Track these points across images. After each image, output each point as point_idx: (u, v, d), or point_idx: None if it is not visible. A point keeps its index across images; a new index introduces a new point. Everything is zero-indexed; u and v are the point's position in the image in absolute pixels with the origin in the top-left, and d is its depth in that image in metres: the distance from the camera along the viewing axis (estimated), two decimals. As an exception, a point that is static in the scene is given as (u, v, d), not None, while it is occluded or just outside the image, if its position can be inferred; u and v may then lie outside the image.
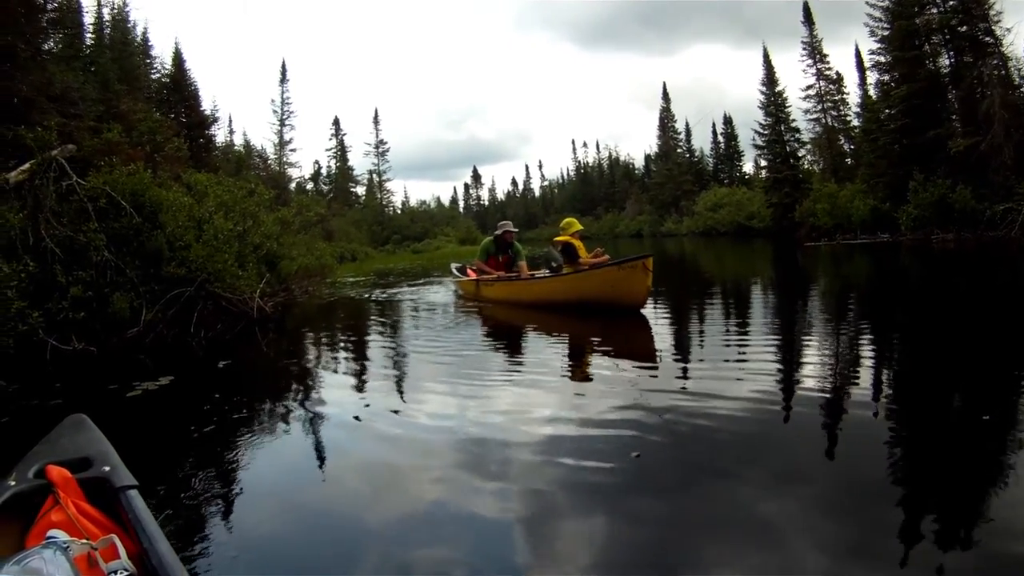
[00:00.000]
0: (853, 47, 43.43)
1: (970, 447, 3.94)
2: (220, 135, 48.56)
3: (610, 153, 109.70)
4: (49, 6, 15.20)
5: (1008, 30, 30.14)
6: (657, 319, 9.55)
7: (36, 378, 6.97)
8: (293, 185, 57.16)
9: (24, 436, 5.09)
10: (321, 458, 4.50)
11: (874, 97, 39.69)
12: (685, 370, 6.16)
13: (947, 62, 32.84)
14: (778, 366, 6.22)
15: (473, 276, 13.44)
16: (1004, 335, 7.07)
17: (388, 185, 76.83)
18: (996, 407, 4.62)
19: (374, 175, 75.94)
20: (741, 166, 74.19)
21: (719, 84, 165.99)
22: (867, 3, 35.84)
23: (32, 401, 6.25)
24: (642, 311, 9.62)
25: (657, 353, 7.11)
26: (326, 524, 3.44)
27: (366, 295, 17.18)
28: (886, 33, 35.34)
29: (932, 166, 29.79)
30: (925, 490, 3.42)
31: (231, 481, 4.14)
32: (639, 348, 7.63)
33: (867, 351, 6.90)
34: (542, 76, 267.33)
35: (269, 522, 3.53)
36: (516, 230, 13.23)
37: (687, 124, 79.41)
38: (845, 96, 47.50)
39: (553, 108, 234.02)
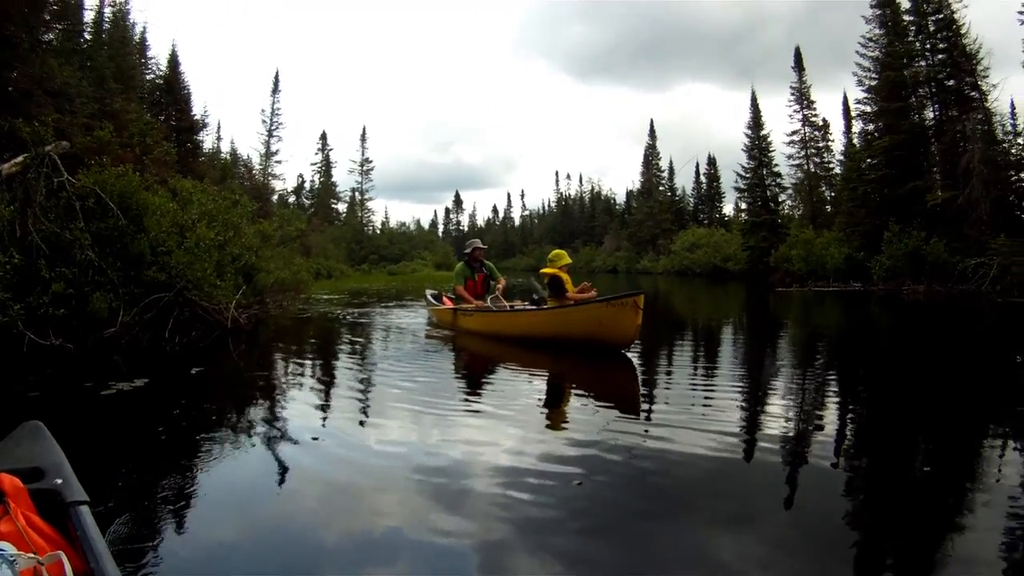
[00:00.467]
0: (842, 94, 44.02)
1: (924, 497, 4.08)
2: (208, 141, 48.63)
3: (592, 187, 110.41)
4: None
5: (994, 86, 30.97)
6: (629, 357, 9.22)
7: (12, 369, 7.13)
8: (276, 197, 57.15)
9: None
10: (280, 476, 4.50)
11: (857, 146, 40.38)
12: (650, 410, 6.29)
13: (931, 115, 33.58)
14: (741, 410, 6.33)
15: (449, 304, 13.05)
16: (963, 387, 7.43)
17: (370, 204, 76.89)
18: (951, 458, 4.89)
19: (357, 193, 76.03)
20: (721, 207, 74.93)
21: (708, 123, 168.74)
22: (857, 52, 36.67)
23: (12, 390, 6.46)
24: (625, 351, 9.27)
25: (639, 396, 7.05)
26: (280, 542, 3.47)
27: (339, 314, 17.31)
28: (874, 83, 36.14)
29: (909, 217, 30.31)
30: (877, 537, 3.45)
31: (189, 493, 4.15)
32: (613, 387, 7.67)
33: (829, 398, 7.12)
34: (534, 105, 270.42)
35: (223, 538, 3.54)
36: (485, 247, 12.90)
37: (671, 162, 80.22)
38: (830, 143, 48.19)
39: (541, 137, 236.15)
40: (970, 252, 26.91)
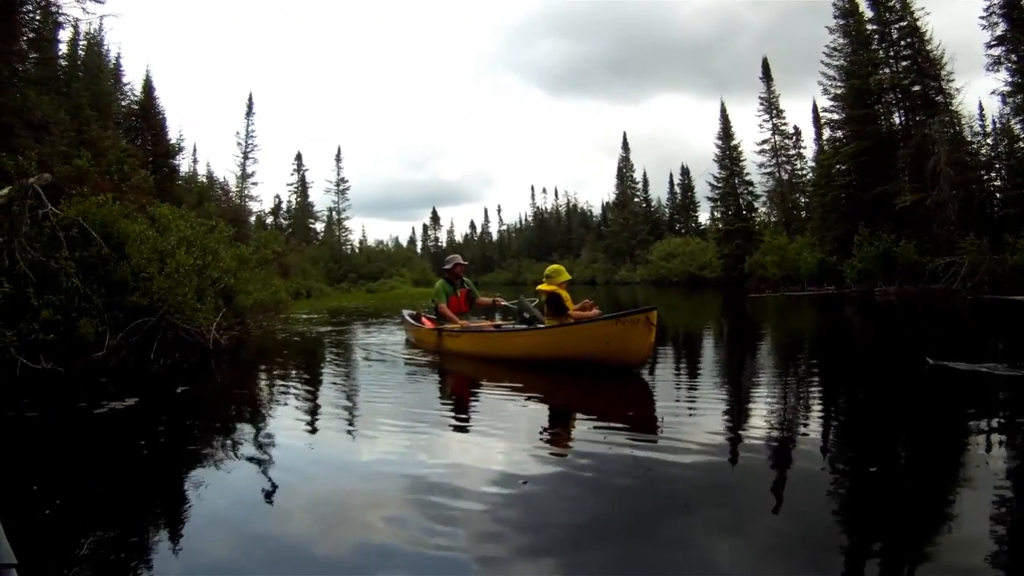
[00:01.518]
0: (812, 101, 44.77)
1: (908, 496, 4.16)
2: (184, 164, 48.84)
3: (568, 200, 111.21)
4: (28, 28, 15.74)
5: (958, 90, 32.06)
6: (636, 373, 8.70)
7: (9, 393, 7.49)
8: (253, 218, 57.35)
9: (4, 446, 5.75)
10: (266, 493, 4.52)
11: (827, 152, 41.08)
12: (643, 421, 6.32)
13: (898, 120, 34.39)
14: (726, 415, 6.45)
15: (429, 324, 12.38)
16: (936, 383, 7.63)
17: (347, 223, 77.27)
18: (925, 454, 5.11)
19: (334, 212, 76.38)
20: (697, 216, 75.99)
21: (682, 134, 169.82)
22: (822, 63, 37.42)
23: (8, 412, 6.82)
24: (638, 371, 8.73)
25: (657, 417, 6.51)
26: (268, 560, 3.50)
27: (319, 333, 17.62)
28: (839, 92, 36.90)
29: (879, 221, 31.16)
30: (865, 537, 3.53)
31: (177, 510, 4.28)
32: (607, 400, 7.45)
33: (810, 401, 7.33)
34: (509, 120, 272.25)
35: (211, 555, 3.58)
36: (466, 263, 12.39)
37: (644, 174, 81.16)
38: (802, 150, 49.04)
39: (517, 152, 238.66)
40: (940, 252, 27.76)
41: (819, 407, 6.98)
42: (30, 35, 15.94)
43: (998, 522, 3.63)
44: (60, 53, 24.20)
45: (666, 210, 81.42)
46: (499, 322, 11.72)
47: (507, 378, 8.73)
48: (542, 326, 9.66)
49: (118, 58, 36.67)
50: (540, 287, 9.76)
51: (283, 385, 9.47)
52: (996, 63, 29.71)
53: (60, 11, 15.94)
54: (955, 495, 4.18)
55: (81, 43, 29.39)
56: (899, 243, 29.47)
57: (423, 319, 13.20)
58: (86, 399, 7.46)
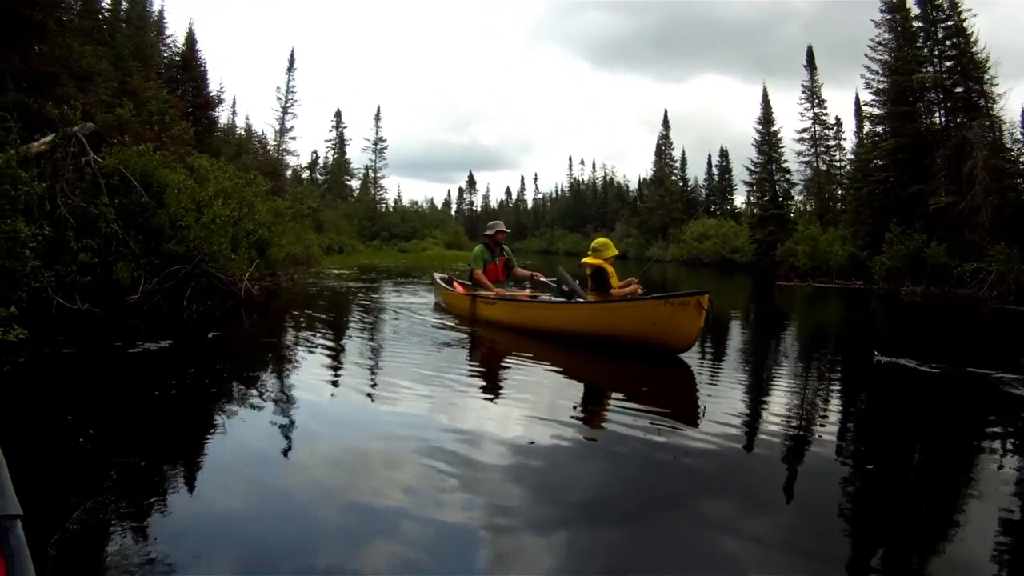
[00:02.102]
0: (855, 92, 44.11)
1: (923, 494, 4.19)
2: (223, 116, 49.17)
3: (605, 173, 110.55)
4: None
5: (1000, 95, 31.25)
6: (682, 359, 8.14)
7: (43, 330, 7.78)
8: (289, 173, 57.78)
9: (42, 378, 6.07)
10: (287, 443, 4.66)
11: (865, 146, 40.66)
12: (684, 405, 6.25)
13: (938, 120, 33.91)
14: (747, 404, 6.37)
15: (461, 290, 12.23)
16: (956, 385, 7.45)
17: (383, 182, 77.40)
18: (945, 456, 5.03)
19: (370, 171, 76.61)
20: (732, 199, 74.58)
21: (724, 115, 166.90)
22: (866, 56, 36.92)
23: (44, 349, 7.15)
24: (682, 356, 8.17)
25: (698, 405, 6.27)
26: (286, 512, 3.54)
27: (348, 288, 17.84)
28: (882, 86, 36.46)
29: (911, 220, 30.72)
30: (879, 531, 3.50)
31: (198, 453, 4.39)
32: (652, 387, 6.94)
33: (831, 394, 7.24)
34: (552, 89, 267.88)
35: (228, 504, 3.63)
36: (508, 231, 11.89)
37: (683, 153, 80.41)
38: (842, 141, 48.32)
39: (558, 122, 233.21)
40: (970, 257, 27.03)
41: (844, 402, 6.94)
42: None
43: (1009, 524, 3.61)
44: (104, 4, 24.50)
45: (702, 190, 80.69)
46: (534, 293, 11.19)
47: (539, 351, 8.48)
48: (583, 300, 9.45)
49: (161, 10, 37.02)
50: (585, 260, 9.35)
51: (309, 338, 9.66)
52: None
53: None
54: (968, 495, 4.15)
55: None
56: (929, 244, 29.11)
57: (455, 283, 13.06)
58: (121, 339, 7.81)
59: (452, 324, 10.83)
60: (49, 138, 10.21)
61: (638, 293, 9.01)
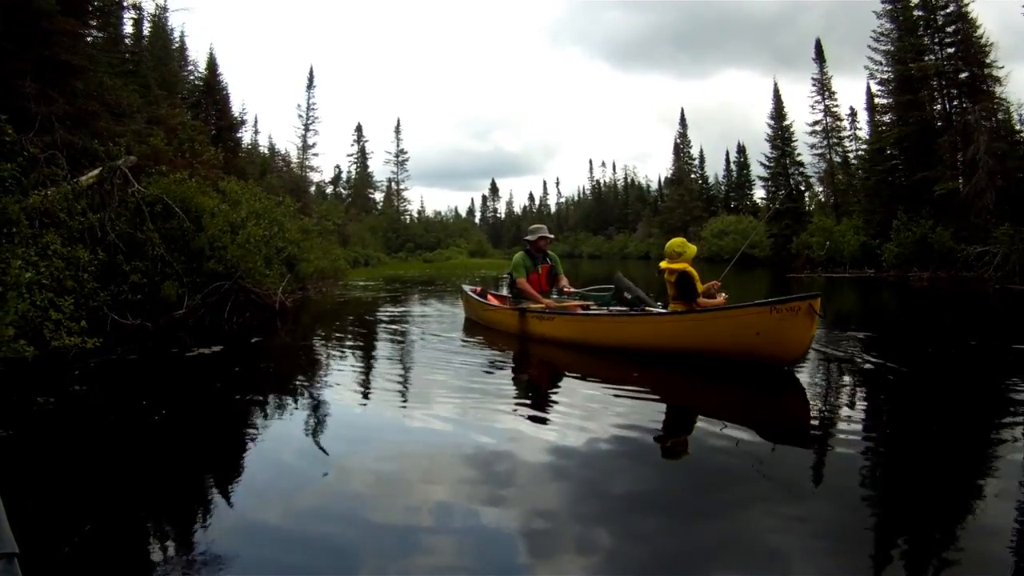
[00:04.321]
0: (865, 82, 44.41)
1: (945, 479, 4.22)
2: (247, 136, 50.23)
3: (626, 174, 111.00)
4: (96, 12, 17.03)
5: (998, 80, 31.74)
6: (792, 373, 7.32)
7: (105, 343, 8.71)
8: (313, 188, 58.87)
9: (108, 379, 7.00)
10: (323, 454, 4.72)
11: (874, 136, 41.12)
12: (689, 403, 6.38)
13: (941, 107, 34.32)
14: (770, 398, 6.45)
15: (495, 302, 11.43)
16: (967, 371, 7.80)
17: (405, 194, 78.34)
18: (968, 440, 5.04)
19: (392, 183, 77.68)
20: (751, 195, 74.39)
21: (746, 110, 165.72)
22: (869, 47, 37.44)
23: (111, 356, 8.21)
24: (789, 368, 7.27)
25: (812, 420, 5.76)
26: (324, 522, 3.60)
27: (374, 299, 18.66)
28: (886, 76, 37.00)
29: (918, 206, 31.26)
30: (898, 524, 3.54)
31: (236, 466, 4.58)
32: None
33: (849, 385, 7.19)
34: (572, 92, 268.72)
35: (264, 518, 3.70)
36: (552, 236, 10.66)
37: (701, 150, 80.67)
38: (857, 131, 48.56)
39: (579, 124, 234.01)
40: (975, 240, 27.71)
41: (864, 391, 6.90)
42: (97, 31, 17.18)
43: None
44: (126, 35, 25.38)
45: (722, 187, 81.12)
46: (587, 302, 10.07)
47: (587, 364, 7.93)
48: (659, 310, 8.54)
49: (182, 36, 38.10)
50: (664, 264, 8.09)
51: (338, 346, 10.34)
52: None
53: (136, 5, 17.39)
54: (991, 485, 4.09)
55: (146, 26, 30.34)
56: (935, 229, 29.69)
57: (489, 296, 12.11)
58: (174, 348, 8.93)
59: (481, 335, 10.33)
60: (96, 172, 11.16)
61: (724, 299, 8.14)
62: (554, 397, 6.69)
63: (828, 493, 3.98)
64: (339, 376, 7.80)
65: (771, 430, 5.14)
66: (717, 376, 7.09)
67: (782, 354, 7.06)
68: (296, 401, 6.57)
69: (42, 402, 6.11)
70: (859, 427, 5.41)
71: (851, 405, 6.30)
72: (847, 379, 7.28)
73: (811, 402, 6.31)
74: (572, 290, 10.21)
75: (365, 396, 6.74)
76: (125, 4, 19.64)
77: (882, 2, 36.37)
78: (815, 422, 5.60)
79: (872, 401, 6.36)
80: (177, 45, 37.20)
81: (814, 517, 3.59)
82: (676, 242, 8.16)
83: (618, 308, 9.23)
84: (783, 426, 5.39)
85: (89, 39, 15.71)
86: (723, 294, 8.31)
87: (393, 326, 12.23)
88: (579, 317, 9.07)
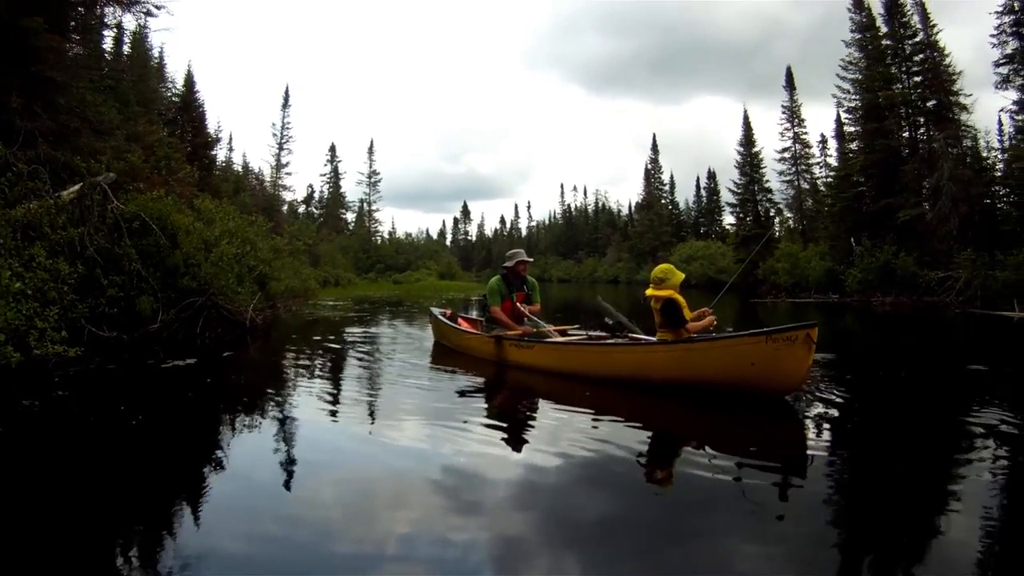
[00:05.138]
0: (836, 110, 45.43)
1: (911, 500, 4.25)
2: (221, 154, 50.45)
3: (597, 199, 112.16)
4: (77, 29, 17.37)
5: (964, 107, 32.82)
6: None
7: (84, 354, 9.06)
8: (285, 207, 59.06)
9: (87, 387, 7.34)
10: (290, 477, 4.66)
11: (840, 163, 42.14)
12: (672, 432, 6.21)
13: (907, 135, 35.36)
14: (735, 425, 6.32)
15: (466, 326, 11.27)
16: (924, 392, 8.16)
17: (377, 215, 78.91)
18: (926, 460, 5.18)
19: (364, 204, 78.09)
20: (721, 220, 75.55)
21: (721, 136, 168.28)
22: (837, 75, 38.44)
23: (90, 366, 8.62)
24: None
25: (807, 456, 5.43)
26: (287, 543, 3.58)
27: (342, 318, 19.10)
28: (853, 104, 38.01)
29: (883, 233, 32.27)
30: (862, 542, 3.55)
31: (203, 484, 4.51)
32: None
33: (810, 407, 6.92)
34: (547, 115, 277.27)
35: (228, 532, 3.71)
36: (531, 260, 10.33)
37: (672, 176, 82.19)
38: (828, 158, 49.51)
39: (553, 148, 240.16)
40: (938, 266, 28.56)
41: (825, 412, 6.73)
42: (78, 47, 17.48)
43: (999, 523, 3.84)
44: (107, 51, 25.55)
45: (692, 212, 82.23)
46: (564, 327, 9.88)
47: (577, 393, 7.42)
48: (644, 336, 8.46)
49: (161, 53, 38.41)
50: (650, 291, 7.90)
51: (307, 364, 10.51)
52: (1005, 81, 30.26)
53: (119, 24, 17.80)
54: (955, 504, 4.15)
55: (126, 42, 30.57)
56: (898, 255, 30.55)
57: (460, 320, 11.88)
58: (149, 360, 9.37)
59: (451, 359, 10.08)
60: (76, 187, 11.51)
61: (712, 323, 7.82)
62: (527, 422, 6.66)
63: (801, 518, 3.93)
64: (306, 395, 7.88)
65: (746, 455, 5.13)
66: (694, 403, 6.95)
67: (779, 385, 6.85)
68: (264, 418, 6.65)
69: (28, 404, 6.55)
70: (827, 449, 5.63)
71: (820, 428, 6.31)
72: (816, 401, 7.08)
73: (787, 428, 6.36)
74: (534, 320, 9.63)
75: (333, 416, 6.69)
76: (107, 21, 20.00)
77: (851, 31, 37.51)
78: (791, 448, 5.65)
79: (838, 424, 6.34)
80: (156, 62, 37.43)
81: (785, 542, 3.61)
82: (661, 269, 7.97)
83: (598, 333, 9.19)
84: (754, 451, 5.28)
85: (71, 55, 16.01)
86: (712, 317, 7.80)
87: (361, 347, 12.29)
88: (562, 346, 8.72)
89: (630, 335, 8.58)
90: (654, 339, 7.94)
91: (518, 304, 9.78)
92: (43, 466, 4.87)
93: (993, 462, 4.85)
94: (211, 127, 41.07)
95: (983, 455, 5.03)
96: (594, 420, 6.26)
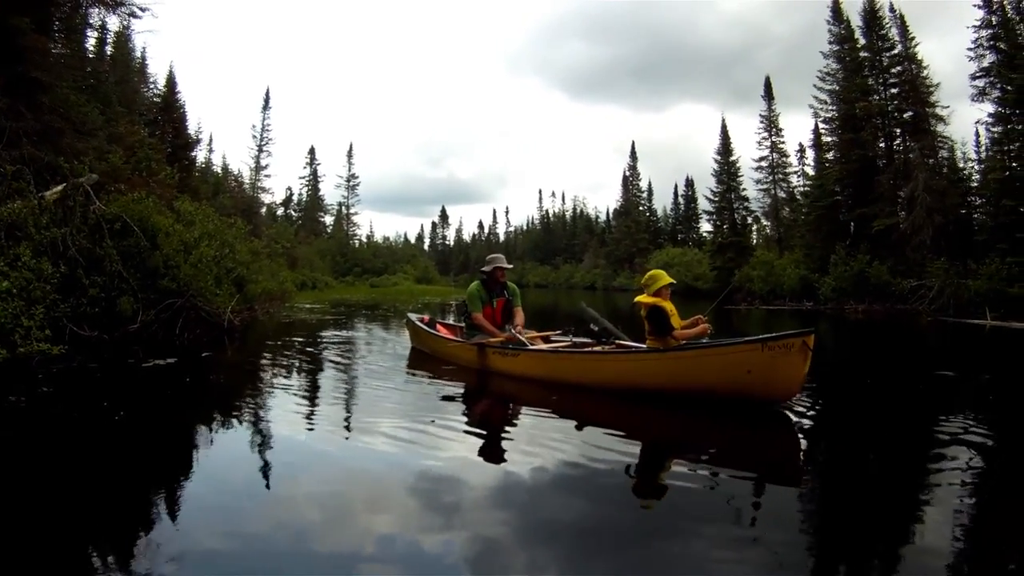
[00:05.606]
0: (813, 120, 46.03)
1: (885, 506, 4.31)
2: (201, 155, 50.37)
3: (575, 205, 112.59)
4: (61, 28, 17.52)
5: (941, 119, 33.61)
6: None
7: (66, 352, 9.27)
8: (264, 210, 59.02)
9: (70, 384, 7.51)
10: (267, 480, 4.67)
11: (817, 172, 42.94)
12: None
13: (883, 145, 36.08)
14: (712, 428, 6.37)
15: (445, 332, 11.02)
16: (895, 397, 8.30)
17: (355, 218, 78.77)
18: (900, 467, 5.24)
19: (343, 207, 78.07)
20: (699, 227, 75.69)
21: (703, 144, 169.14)
22: (815, 86, 39.07)
23: (72, 364, 8.86)
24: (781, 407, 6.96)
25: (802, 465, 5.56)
26: (263, 546, 3.58)
27: (318, 321, 19.38)
28: (830, 115, 38.73)
29: (857, 241, 33.00)
30: (842, 544, 3.71)
31: (180, 486, 4.52)
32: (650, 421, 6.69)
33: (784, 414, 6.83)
34: (529, 121, 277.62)
35: (204, 534, 3.69)
36: (510, 267, 10.02)
37: (649, 183, 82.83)
38: (806, 167, 50.10)
39: (533, 154, 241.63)
40: (912, 274, 29.31)
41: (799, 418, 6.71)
42: (61, 47, 17.59)
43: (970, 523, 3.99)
44: (89, 51, 25.58)
45: (670, 219, 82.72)
46: (547, 333, 9.86)
47: (560, 400, 7.35)
48: (632, 343, 8.37)
49: (143, 53, 38.53)
50: (639, 299, 7.80)
51: (284, 366, 10.65)
52: (981, 94, 31.06)
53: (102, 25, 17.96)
54: (935, 507, 4.26)
55: (109, 42, 30.57)
56: (872, 264, 31.17)
57: (439, 327, 11.66)
58: (131, 358, 9.66)
59: (429, 364, 10.00)
60: (60, 188, 11.72)
61: (708, 333, 7.66)
62: (506, 427, 6.70)
63: (779, 524, 3.95)
64: (284, 396, 7.85)
65: (720, 462, 5.13)
66: (675, 410, 6.89)
67: (775, 393, 6.77)
68: (241, 419, 6.74)
69: (14, 400, 6.82)
70: (802, 454, 5.72)
71: (794, 434, 6.34)
72: (787, 410, 6.89)
73: (761, 435, 6.32)
74: (523, 330, 9.36)
75: (309, 418, 6.66)
76: (92, 22, 20.18)
77: (830, 43, 38.13)
78: (765, 454, 5.70)
79: (812, 432, 6.33)
80: (138, 63, 37.44)
81: (758, 545, 3.64)
82: (650, 274, 7.92)
83: (582, 340, 9.06)
84: (728, 457, 5.32)
85: (54, 53, 16.14)
86: (706, 325, 7.65)
87: (338, 350, 12.41)
88: (548, 354, 8.50)
89: (617, 342, 8.44)
90: (644, 347, 7.83)
91: (519, 324, 9.43)
92: (27, 462, 5.09)
93: (964, 469, 4.96)
94: (192, 128, 41.25)
95: (955, 462, 5.11)
96: (575, 426, 6.27)
